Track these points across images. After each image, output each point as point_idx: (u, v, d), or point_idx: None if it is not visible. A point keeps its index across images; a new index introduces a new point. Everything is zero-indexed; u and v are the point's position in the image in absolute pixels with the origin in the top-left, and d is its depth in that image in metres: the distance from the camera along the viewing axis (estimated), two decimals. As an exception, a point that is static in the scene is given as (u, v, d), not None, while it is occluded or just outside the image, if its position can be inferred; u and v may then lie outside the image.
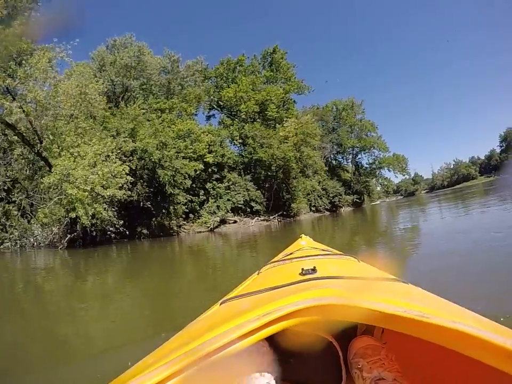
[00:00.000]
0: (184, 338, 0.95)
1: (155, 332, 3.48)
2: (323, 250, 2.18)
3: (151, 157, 22.85)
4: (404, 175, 61.48)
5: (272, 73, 42.05)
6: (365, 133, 55.35)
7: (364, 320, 0.77)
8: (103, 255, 16.18)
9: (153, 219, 24.30)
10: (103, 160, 18.18)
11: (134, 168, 22.16)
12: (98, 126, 22.63)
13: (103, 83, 24.46)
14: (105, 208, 17.66)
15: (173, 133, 26.98)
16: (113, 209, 19.13)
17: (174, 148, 25.33)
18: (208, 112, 42.06)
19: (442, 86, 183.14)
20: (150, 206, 24.00)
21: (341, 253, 2.14)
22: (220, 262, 10.11)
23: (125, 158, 21.59)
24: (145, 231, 24.01)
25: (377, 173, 59.13)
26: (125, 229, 20.90)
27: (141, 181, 23.53)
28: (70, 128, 19.40)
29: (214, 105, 41.08)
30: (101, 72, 30.07)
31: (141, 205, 23.60)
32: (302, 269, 1.24)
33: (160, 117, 27.75)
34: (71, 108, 19.94)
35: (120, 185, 18.53)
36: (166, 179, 23.49)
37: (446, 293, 1.16)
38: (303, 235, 2.81)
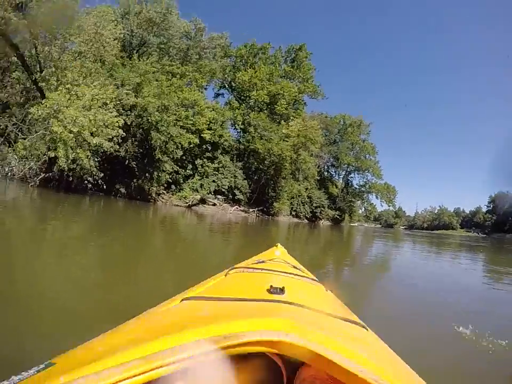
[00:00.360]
0: (141, 332, 0.96)
1: (97, 310, 3.16)
2: (295, 268, 2.14)
3: (149, 117, 22.17)
4: (389, 206, 61.62)
5: (292, 70, 41.55)
6: (364, 155, 55.01)
7: (320, 366, 0.77)
8: (74, 203, 15.70)
9: (134, 180, 23.71)
10: (99, 107, 17.47)
11: (129, 124, 21.49)
12: (105, 72, 21.84)
13: (122, 29, 23.60)
14: (88, 156, 17.01)
15: (178, 99, 26.25)
16: (96, 160, 18.49)
17: (175, 114, 24.66)
18: (218, 90, 41.36)
19: (451, 134, 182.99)
20: (135, 166, 23.40)
21: (311, 276, 2.11)
22: (190, 244, 9.74)
23: (123, 111, 20.91)
24: (123, 190, 23.46)
25: (364, 196, 58.94)
26: (103, 183, 20.37)
27: (133, 139, 22.87)
28: (75, 65, 18.63)
29: (226, 85, 40.39)
30: (122, 19, 28.99)
31: (126, 163, 23.02)
32: (271, 286, 1.23)
33: (170, 80, 27.01)
34: (82, 45, 19.15)
35: (110, 137, 17.87)
36: (158, 143, 22.87)
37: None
38: (278, 244, 2.74)
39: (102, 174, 19.62)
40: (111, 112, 18.02)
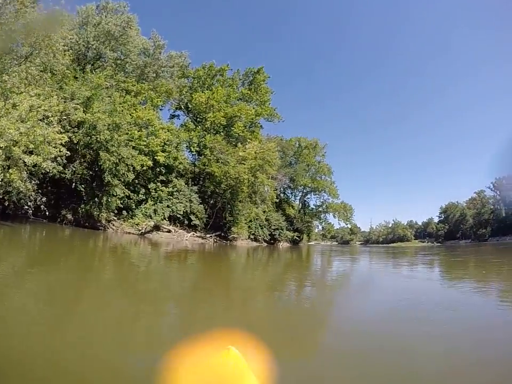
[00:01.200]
0: None
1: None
2: None
3: (99, 136, 20.59)
4: (346, 224, 63.09)
5: (249, 92, 41.47)
6: (320, 175, 56.40)
7: None
8: (9, 232, 14.14)
9: (82, 206, 21.89)
10: (40, 120, 15.75)
11: (75, 142, 19.90)
12: (54, 83, 20.29)
13: (78, 39, 22.01)
14: (23, 177, 15.15)
15: (131, 118, 25.00)
16: (34, 182, 16.75)
17: (127, 134, 23.32)
18: (174, 111, 40.37)
19: (400, 155, 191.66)
20: (82, 190, 21.70)
21: None
22: (141, 280, 8.67)
23: (70, 128, 19.37)
24: (69, 217, 21.60)
25: (322, 216, 60.01)
26: (45, 208, 18.63)
27: (81, 159, 21.27)
28: (19, 70, 16.94)
29: (182, 106, 39.41)
30: (80, 29, 27.56)
31: (73, 186, 21.32)
32: None
33: (124, 97, 25.70)
34: (29, 46, 17.54)
35: (53, 156, 16.18)
36: (108, 165, 21.24)
37: None
38: (231, 348, 2.02)
39: (45, 199, 17.96)
40: (54, 128, 16.38)
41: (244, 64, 61.72)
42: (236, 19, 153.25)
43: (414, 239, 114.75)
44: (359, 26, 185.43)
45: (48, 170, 16.12)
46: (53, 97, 17.35)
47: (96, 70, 26.50)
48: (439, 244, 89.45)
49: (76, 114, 19.43)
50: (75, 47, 22.72)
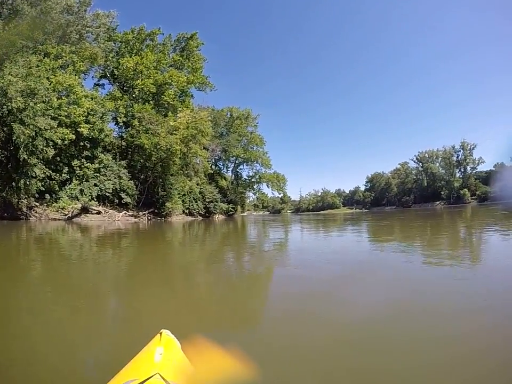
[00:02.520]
0: None
1: None
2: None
3: (10, 104, 17.98)
4: (279, 194, 64.36)
5: (181, 59, 39.17)
6: (252, 146, 56.40)
7: None
8: None
9: (-4, 192, 19.36)
10: None
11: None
12: None
13: None
14: None
15: (49, 84, 22.23)
16: None
17: (44, 102, 20.70)
18: (98, 80, 37.12)
19: (329, 128, 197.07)
20: (-5, 174, 19.12)
21: None
22: (73, 273, 7.81)
23: None
24: (-17, 207, 19.07)
25: (255, 187, 60.44)
26: None
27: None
28: None
29: (107, 73, 36.24)
30: None
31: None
32: None
33: (41, 61, 22.61)
34: None
35: None
36: (22, 139, 18.72)
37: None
38: (163, 332, 1.96)
39: None
40: None
41: (175, 30, 57.68)
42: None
43: (343, 207, 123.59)
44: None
45: None
46: None
47: (10, 27, 22.93)
48: (366, 210, 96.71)
49: (-21, 75, 16.80)
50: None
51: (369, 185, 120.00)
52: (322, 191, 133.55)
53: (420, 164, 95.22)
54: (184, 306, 4.38)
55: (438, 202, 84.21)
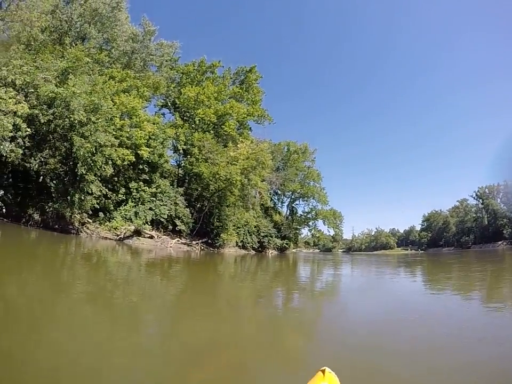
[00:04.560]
0: None
1: None
2: None
3: (72, 116, 17.34)
4: (335, 231, 61.36)
5: (240, 91, 39.07)
6: (309, 181, 54.69)
7: None
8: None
9: (50, 204, 18.76)
10: None
11: (43, 122, 16.77)
12: (28, 56, 17.50)
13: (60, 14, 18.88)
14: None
15: (113, 104, 22.02)
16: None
17: (106, 121, 20.26)
18: (160, 109, 37.39)
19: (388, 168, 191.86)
20: (53, 185, 18.60)
21: None
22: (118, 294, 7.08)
23: (37, 104, 16.40)
24: (36, 217, 18.49)
25: (311, 223, 57.97)
26: (2, 205, 15.61)
27: (52, 148, 18.18)
28: None
29: (168, 103, 36.55)
30: (64, 6, 24.42)
31: (41, 180, 18.24)
32: None
33: (105, 82, 22.73)
34: None
35: (9, 133, 13.26)
36: (82, 153, 17.92)
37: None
38: (326, 369, 2.41)
39: (2, 192, 15.02)
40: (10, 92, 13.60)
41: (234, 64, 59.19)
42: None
43: (397, 247, 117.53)
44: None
45: (4, 154, 13.16)
46: (11, 61, 14.47)
47: (77, 45, 23.13)
48: (422, 251, 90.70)
49: (46, 87, 16.45)
50: (57, 23, 19.57)
51: (425, 224, 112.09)
52: (376, 230, 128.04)
53: (480, 200, 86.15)
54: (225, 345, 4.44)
55: (500, 242, 74.08)
